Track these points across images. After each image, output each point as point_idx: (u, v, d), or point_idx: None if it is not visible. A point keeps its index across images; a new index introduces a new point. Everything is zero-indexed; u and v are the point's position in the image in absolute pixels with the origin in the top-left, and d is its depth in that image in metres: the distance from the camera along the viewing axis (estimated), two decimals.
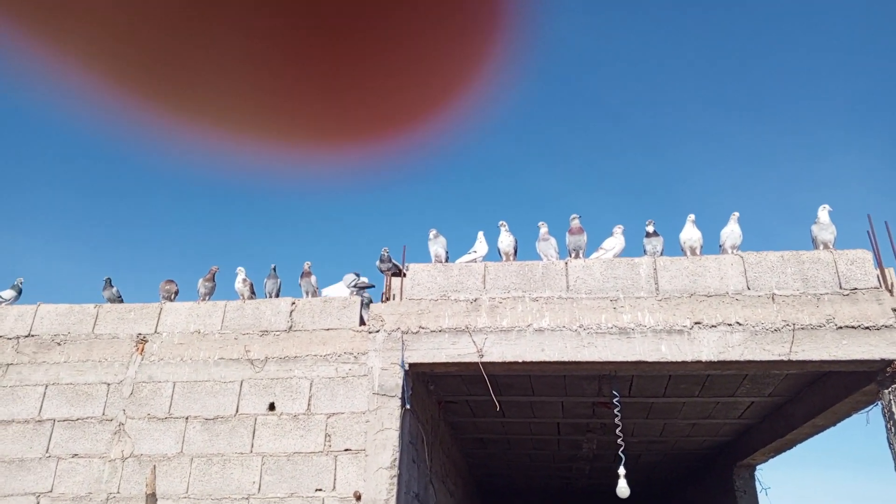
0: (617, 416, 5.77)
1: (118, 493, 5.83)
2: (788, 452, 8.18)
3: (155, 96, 0.56)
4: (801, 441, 7.28)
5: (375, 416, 5.29)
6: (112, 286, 7.01)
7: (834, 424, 6.46)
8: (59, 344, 6.62)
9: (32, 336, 6.71)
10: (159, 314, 6.62)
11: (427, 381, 6.82)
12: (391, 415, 5.26)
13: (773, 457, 8.28)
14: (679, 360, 5.08)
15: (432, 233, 5.97)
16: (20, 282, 7.12)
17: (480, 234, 6.06)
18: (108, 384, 6.33)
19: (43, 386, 6.42)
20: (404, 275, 5.79)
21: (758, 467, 8.78)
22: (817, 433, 6.80)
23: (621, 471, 5.45)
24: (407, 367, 5.39)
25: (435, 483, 7.02)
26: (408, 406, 5.35)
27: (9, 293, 7.05)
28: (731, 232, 5.57)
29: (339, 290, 6.53)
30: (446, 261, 5.88)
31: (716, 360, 5.04)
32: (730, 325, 5.14)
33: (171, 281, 6.70)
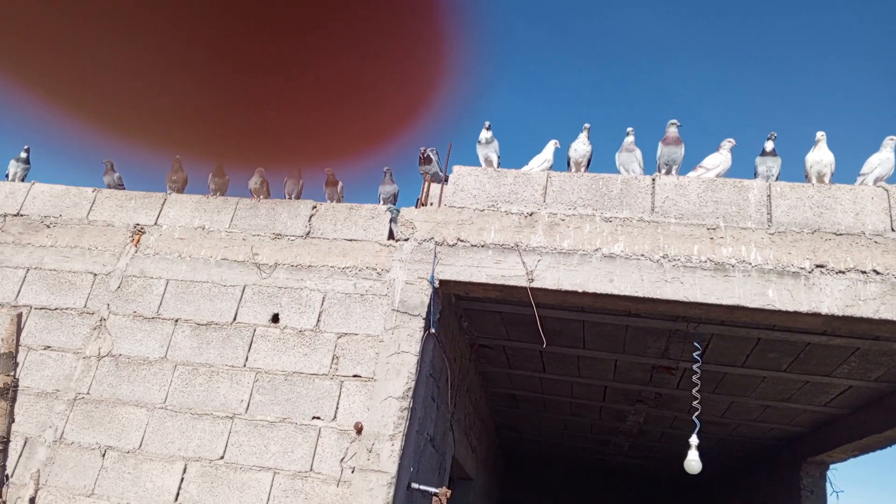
0: (696, 371, 4.61)
1: (88, 393, 5.00)
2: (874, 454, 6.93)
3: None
4: None
5: (391, 337, 4.27)
6: (114, 171, 6.13)
7: None
8: (48, 226, 5.80)
9: (21, 216, 5.90)
10: (162, 205, 5.72)
11: (460, 315, 5.77)
12: (411, 336, 4.23)
13: (855, 456, 7.03)
14: (790, 309, 3.89)
15: (484, 134, 4.83)
16: (27, 151, 6.30)
17: (551, 143, 4.89)
18: (95, 275, 5.49)
19: (24, 269, 5.61)
20: (446, 180, 4.70)
21: (832, 466, 7.54)
22: None
23: (693, 440, 4.32)
24: (437, 283, 4.34)
25: (456, 431, 6.02)
26: (432, 330, 4.31)
27: (14, 166, 6.24)
28: (885, 161, 4.28)
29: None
30: (499, 167, 4.75)
31: (840, 314, 3.83)
32: (864, 272, 3.91)
33: (181, 170, 5.77)
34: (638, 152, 4.67)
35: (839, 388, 5.93)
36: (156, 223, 5.61)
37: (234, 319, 5.15)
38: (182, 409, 4.81)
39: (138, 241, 5.56)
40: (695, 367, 4.60)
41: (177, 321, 5.18)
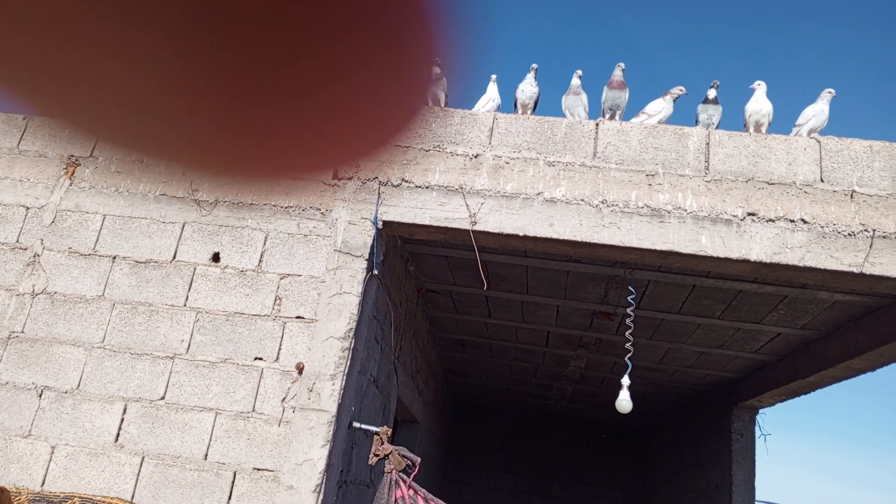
0: (630, 315, 4.76)
1: (23, 332, 4.88)
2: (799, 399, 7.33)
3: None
4: (824, 385, 6.36)
5: (333, 278, 4.26)
6: None
7: (875, 369, 5.51)
8: None
9: None
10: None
11: (406, 259, 5.79)
12: (353, 277, 4.23)
13: (782, 401, 7.42)
14: (721, 255, 4.02)
15: (435, 70, 4.75)
16: None
17: (493, 80, 4.85)
18: (28, 208, 5.29)
19: None
20: None
21: (761, 410, 7.96)
22: (850, 377, 5.86)
23: (625, 380, 4.48)
24: (381, 224, 4.32)
25: (400, 373, 6.12)
26: (375, 272, 4.32)
27: None
28: (819, 112, 4.38)
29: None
30: (446, 106, 4.71)
31: (768, 261, 3.98)
32: (792, 221, 4.06)
33: None
34: (584, 96, 4.68)
35: (769, 336, 6.20)
36: (91, 154, 5.41)
37: (174, 257, 5.05)
38: (121, 349, 4.75)
39: (73, 173, 5.36)
40: (629, 310, 4.74)
41: (114, 258, 5.06)
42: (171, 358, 4.68)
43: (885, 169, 4.13)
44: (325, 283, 4.27)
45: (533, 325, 7.23)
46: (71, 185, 5.32)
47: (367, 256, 4.25)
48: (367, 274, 4.28)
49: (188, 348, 4.68)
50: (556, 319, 6.95)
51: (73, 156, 5.41)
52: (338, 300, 4.17)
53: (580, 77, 4.70)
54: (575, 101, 4.62)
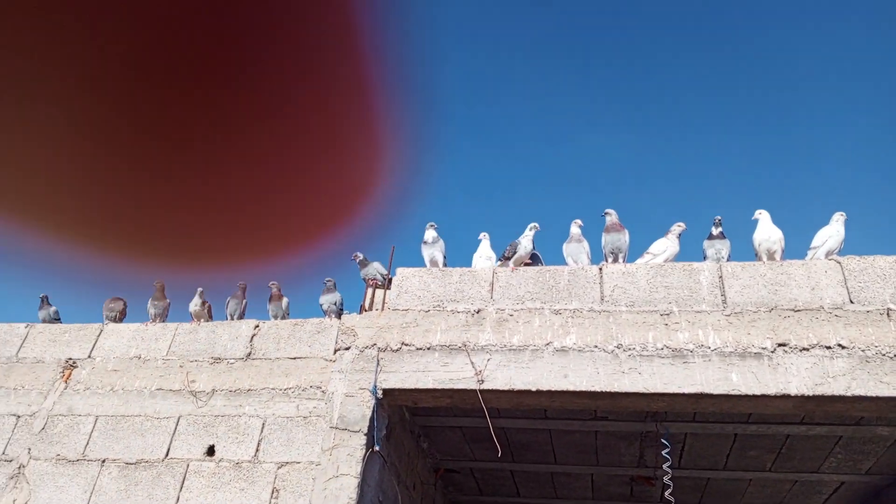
0: (668, 472, 4.21)
1: None
2: None
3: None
4: None
5: (329, 459, 3.85)
6: (49, 305, 5.86)
7: None
8: None
9: None
10: (98, 336, 5.40)
11: (418, 434, 5.35)
12: (350, 456, 3.82)
13: None
14: (757, 392, 3.62)
15: (429, 234, 4.72)
16: None
17: (485, 237, 4.78)
18: (18, 416, 5.03)
19: None
20: (390, 283, 4.51)
21: None
22: None
23: None
24: (380, 393, 4.00)
25: None
26: (376, 447, 3.91)
27: None
28: (835, 234, 4.21)
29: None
30: (444, 266, 4.60)
31: (810, 393, 3.57)
32: (829, 347, 3.70)
33: (118, 298, 5.50)
34: (586, 243, 4.57)
35: (831, 486, 5.50)
36: (89, 356, 5.26)
37: (167, 455, 4.69)
38: None
39: (69, 376, 5.17)
40: (665, 466, 4.21)
41: (103, 462, 4.70)
42: None
43: None
44: (320, 464, 3.85)
45: (568, 499, 6.51)
46: (66, 388, 5.11)
47: (366, 431, 3.88)
48: (368, 451, 3.88)
49: None
50: (591, 491, 6.26)
51: (70, 358, 5.26)
52: (334, 484, 3.73)
53: (580, 226, 4.63)
54: (578, 249, 4.51)
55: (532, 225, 4.89)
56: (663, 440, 4.27)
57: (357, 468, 3.74)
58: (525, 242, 4.79)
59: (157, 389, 4.96)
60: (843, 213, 4.41)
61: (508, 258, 4.69)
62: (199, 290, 5.06)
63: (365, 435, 3.87)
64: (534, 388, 3.86)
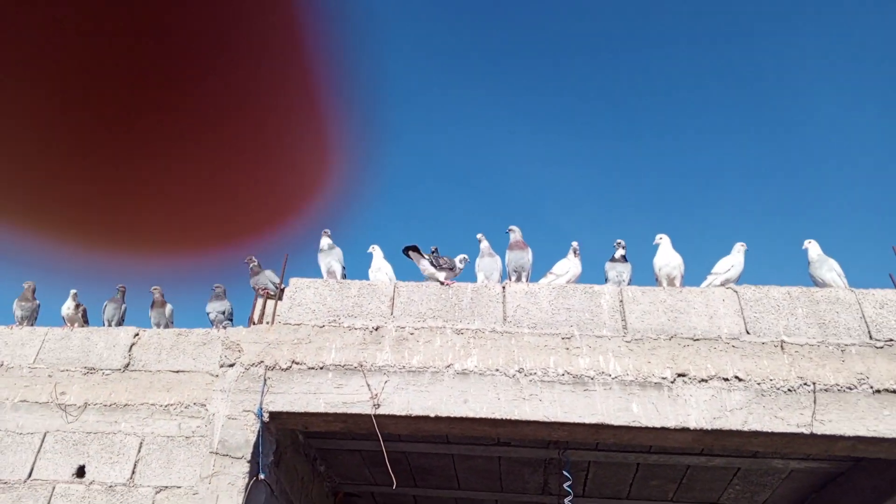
0: None
1: None
2: None
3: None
4: None
5: (208, 488, 3.51)
6: None
7: None
8: None
9: None
10: None
11: (314, 457, 5.05)
12: (232, 485, 3.49)
13: None
14: (657, 425, 3.54)
15: (325, 241, 4.46)
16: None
17: (375, 248, 4.56)
18: None
19: None
20: (283, 292, 4.22)
21: None
22: None
23: None
24: (267, 417, 3.70)
25: None
26: (261, 476, 3.61)
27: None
28: (736, 264, 4.22)
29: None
30: (343, 278, 4.35)
31: (709, 427, 3.52)
32: (726, 379, 3.67)
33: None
34: (498, 258, 4.43)
35: None
36: None
37: (30, 476, 4.23)
38: None
39: None
40: (567, 500, 4.08)
41: None
42: None
43: (809, 315, 3.89)
44: (198, 494, 3.51)
45: None
46: None
47: (249, 458, 3.57)
48: (251, 480, 3.56)
49: None
50: None
51: None
52: None
53: (486, 238, 4.49)
54: (491, 264, 4.35)
55: (432, 248, 4.70)
56: (564, 472, 4.14)
57: (239, 499, 3.42)
58: (424, 265, 4.59)
59: (21, 401, 4.48)
60: (744, 244, 4.45)
61: (444, 268, 4.48)
62: (73, 291, 4.63)
63: (248, 462, 3.56)
64: (433, 415, 3.65)
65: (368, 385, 3.75)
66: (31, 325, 4.85)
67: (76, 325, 4.80)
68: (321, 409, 3.71)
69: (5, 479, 4.23)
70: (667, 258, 4.24)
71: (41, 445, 4.34)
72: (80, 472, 4.24)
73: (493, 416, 3.66)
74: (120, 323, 4.83)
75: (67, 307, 4.79)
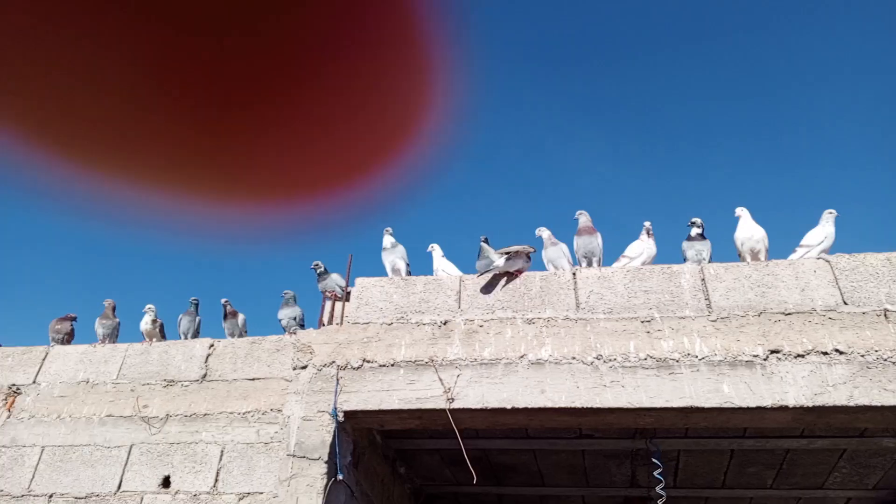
0: (661, 495, 3.86)
1: None
2: None
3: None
4: None
5: (287, 490, 3.49)
6: None
7: None
8: None
9: None
10: (43, 360, 5.05)
11: (393, 458, 4.99)
12: (311, 487, 3.46)
13: None
14: (752, 405, 3.29)
15: (388, 239, 4.40)
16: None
17: (436, 249, 4.45)
18: None
19: None
20: (349, 295, 4.18)
21: None
22: None
23: None
24: (341, 416, 3.66)
25: None
26: (340, 477, 3.56)
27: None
28: (829, 235, 3.92)
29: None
30: (407, 275, 4.28)
31: (810, 404, 3.24)
32: (825, 353, 3.39)
33: (66, 318, 5.17)
34: (564, 246, 4.26)
35: (837, 503, 5.14)
36: (34, 381, 4.91)
37: (119, 488, 4.34)
38: None
39: (12, 404, 4.81)
40: (658, 488, 3.86)
41: (50, 497, 4.35)
42: None
43: None
44: (278, 497, 3.50)
45: None
46: (9, 416, 4.76)
47: (326, 458, 3.53)
48: (330, 481, 3.52)
49: None
50: None
51: (14, 384, 4.90)
52: None
53: (547, 230, 4.32)
54: (556, 253, 4.19)
55: (482, 237, 4.54)
56: (654, 459, 3.92)
57: (318, 500, 3.39)
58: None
59: (108, 416, 4.61)
60: (834, 211, 4.12)
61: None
62: (150, 307, 4.74)
63: (325, 463, 3.52)
64: (509, 406, 3.52)
65: (441, 379, 3.66)
66: (113, 342, 5.00)
67: (154, 339, 4.91)
68: (395, 406, 3.64)
69: (97, 491, 4.36)
70: (749, 231, 3.96)
71: (128, 458, 4.45)
72: (166, 482, 4.32)
73: (573, 406, 3.50)
74: (195, 335, 4.92)
75: (146, 322, 4.92)
